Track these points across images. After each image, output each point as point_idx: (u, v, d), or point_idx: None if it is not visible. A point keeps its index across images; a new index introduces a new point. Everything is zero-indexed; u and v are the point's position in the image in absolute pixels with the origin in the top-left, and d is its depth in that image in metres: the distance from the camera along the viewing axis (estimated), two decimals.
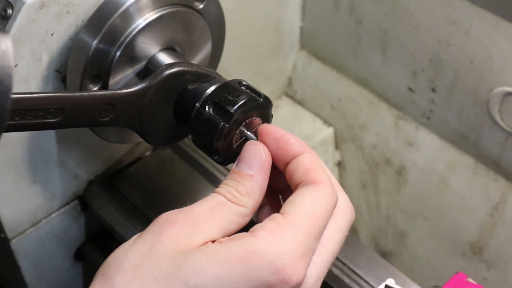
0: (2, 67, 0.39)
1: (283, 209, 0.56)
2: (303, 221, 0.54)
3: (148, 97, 0.62)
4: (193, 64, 0.65)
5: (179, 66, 0.63)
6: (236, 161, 0.60)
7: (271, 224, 0.54)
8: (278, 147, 0.59)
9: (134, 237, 0.55)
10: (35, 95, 0.55)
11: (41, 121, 0.55)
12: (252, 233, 0.53)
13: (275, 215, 0.55)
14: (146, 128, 0.64)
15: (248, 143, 0.60)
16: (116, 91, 0.60)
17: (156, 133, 0.66)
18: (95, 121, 0.59)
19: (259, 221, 0.60)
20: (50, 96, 0.55)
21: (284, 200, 0.64)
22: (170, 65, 0.63)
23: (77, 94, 0.58)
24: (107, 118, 0.60)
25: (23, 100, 0.54)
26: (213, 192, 0.57)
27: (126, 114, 0.61)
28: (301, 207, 0.55)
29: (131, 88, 0.61)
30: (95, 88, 0.66)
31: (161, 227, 0.54)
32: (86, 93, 0.58)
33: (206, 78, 0.64)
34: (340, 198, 0.59)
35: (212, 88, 0.63)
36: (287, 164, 0.59)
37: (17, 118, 0.54)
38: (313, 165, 0.58)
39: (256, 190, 0.57)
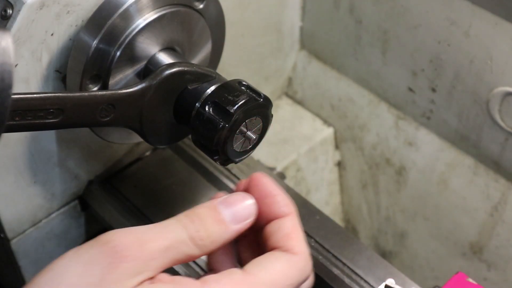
0: (2, 64, 0.39)
1: (247, 267, 0.52)
2: (261, 286, 0.51)
3: (148, 97, 0.62)
4: (193, 64, 0.65)
5: (179, 66, 0.63)
6: (222, 199, 0.55)
7: (227, 280, 0.50)
8: (263, 203, 0.56)
9: (70, 253, 0.49)
10: (35, 95, 0.55)
11: (42, 121, 0.55)
12: (204, 285, 0.50)
13: (234, 270, 0.52)
14: (146, 128, 0.64)
15: (246, 196, 0.56)
16: (116, 91, 0.60)
17: (156, 133, 0.66)
18: (95, 121, 0.59)
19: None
20: (51, 97, 0.55)
21: (238, 248, 0.61)
22: (170, 65, 0.63)
23: (77, 94, 0.58)
24: (107, 118, 0.60)
25: (23, 100, 0.54)
26: (183, 216, 0.53)
27: (126, 114, 0.61)
28: (266, 271, 0.52)
29: (131, 88, 0.61)
30: (95, 88, 0.66)
31: (109, 259, 0.48)
32: (86, 93, 0.58)
33: (206, 78, 0.64)
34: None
35: (212, 88, 0.63)
36: (267, 221, 0.57)
37: (17, 118, 0.54)
38: (294, 232, 0.55)
39: (221, 241, 0.53)
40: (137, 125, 0.63)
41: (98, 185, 0.84)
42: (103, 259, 0.48)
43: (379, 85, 1.03)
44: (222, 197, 0.55)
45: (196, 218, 0.53)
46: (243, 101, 0.61)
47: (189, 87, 0.64)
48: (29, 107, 0.54)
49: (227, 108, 0.60)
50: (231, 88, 0.62)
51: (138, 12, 0.64)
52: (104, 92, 0.60)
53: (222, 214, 0.54)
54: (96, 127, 0.68)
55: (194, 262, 0.73)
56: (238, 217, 0.54)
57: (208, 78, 0.64)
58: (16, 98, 0.53)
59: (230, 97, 0.61)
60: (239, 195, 0.56)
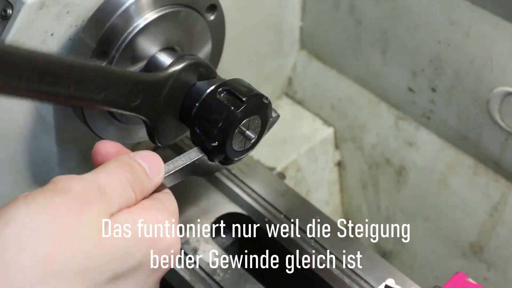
0: None
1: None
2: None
3: (169, 85, 0.62)
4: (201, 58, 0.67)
5: (194, 58, 0.65)
6: (136, 154, 0.57)
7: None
8: None
9: (26, 202, 0.49)
10: (89, 63, 0.54)
11: (88, 95, 0.54)
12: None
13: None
14: (157, 124, 0.64)
15: (152, 153, 0.58)
16: (146, 74, 0.61)
17: (164, 131, 0.66)
18: (126, 105, 0.59)
19: None
20: (101, 68, 0.55)
21: None
22: (187, 56, 0.65)
23: (119, 70, 0.58)
24: (135, 103, 0.60)
25: (82, 67, 0.53)
26: (120, 166, 0.55)
27: (148, 102, 0.62)
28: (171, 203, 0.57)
29: (157, 74, 0.62)
30: None
31: (77, 205, 0.49)
32: (126, 71, 0.59)
33: (212, 74, 0.66)
34: None
35: (216, 84, 0.64)
36: None
37: (72, 88, 0.52)
38: None
39: (148, 193, 0.56)
40: (153, 117, 0.63)
41: None
42: (71, 206, 0.48)
43: (379, 85, 1.03)
44: (134, 153, 0.57)
45: (132, 170, 0.55)
46: (255, 93, 0.62)
47: (197, 82, 0.64)
48: (84, 76, 0.53)
49: (240, 96, 0.61)
50: (243, 83, 0.64)
51: (138, 12, 0.64)
52: (138, 73, 0.60)
53: (146, 168, 0.56)
54: (124, 111, 0.66)
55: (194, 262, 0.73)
56: (155, 171, 0.57)
57: (213, 76, 0.66)
58: (78, 63, 0.52)
59: (243, 88, 0.62)
60: (146, 152, 0.58)
